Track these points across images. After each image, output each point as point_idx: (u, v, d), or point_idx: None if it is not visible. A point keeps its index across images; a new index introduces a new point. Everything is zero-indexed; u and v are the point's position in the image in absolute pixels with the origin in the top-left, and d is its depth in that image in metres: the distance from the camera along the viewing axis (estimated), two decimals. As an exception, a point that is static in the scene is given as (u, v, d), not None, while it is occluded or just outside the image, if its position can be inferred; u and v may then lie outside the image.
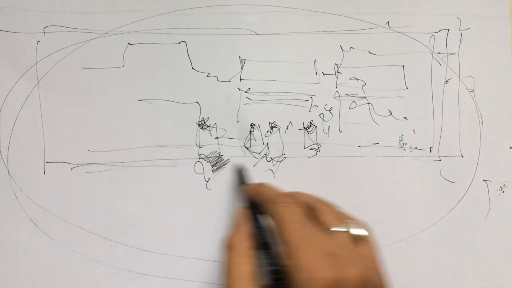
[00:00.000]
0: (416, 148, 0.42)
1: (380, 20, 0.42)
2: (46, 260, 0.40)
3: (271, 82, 0.42)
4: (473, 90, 0.42)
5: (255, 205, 0.34)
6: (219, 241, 0.41)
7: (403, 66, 0.42)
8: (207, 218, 0.41)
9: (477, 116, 0.42)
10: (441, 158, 0.42)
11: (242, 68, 0.41)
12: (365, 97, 0.42)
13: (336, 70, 0.42)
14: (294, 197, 0.33)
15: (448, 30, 0.42)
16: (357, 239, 0.29)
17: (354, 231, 0.29)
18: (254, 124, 0.41)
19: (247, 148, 0.41)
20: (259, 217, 0.33)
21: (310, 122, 0.42)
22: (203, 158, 0.41)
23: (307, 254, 0.26)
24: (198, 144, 0.41)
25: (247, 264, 0.29)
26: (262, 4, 0.41)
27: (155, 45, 0.41)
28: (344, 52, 0.42)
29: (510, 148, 0.43)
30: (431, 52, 0.42)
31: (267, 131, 0.42)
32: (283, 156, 0.42)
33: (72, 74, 0.41)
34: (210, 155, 0.41)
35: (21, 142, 0.40)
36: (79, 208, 0.40)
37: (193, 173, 0.41)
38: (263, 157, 0.41)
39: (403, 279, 0.42)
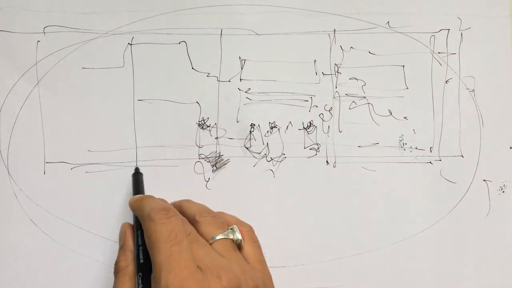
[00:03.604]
0: (416, 148, 0.42)
1: (380, 20, 0.42)
2: (46, 260, 0.40)
3: (271, 82, 0.42)
4: (473, 90, 0.42)
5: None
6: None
7: (403, 66, 0.42)
8: (207, 218, 0.41)
9: (477, 116, 0.42)
10: (441, 158, 0.42)
11: (242, 68, 0.41)
12: (365, 97, 0.42)
13: (336, 70, 0.42)
14: (179, 209, 0.31)
15: (449, 30, 0.42)
16: (239, 243, 0.30)
17: (234, 236, 0.29)
18: (254, 124, 0.41)
19: (247, 148, 0.41)
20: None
21: (310, 122, 0.42)
22: (203, 158, 0.41)
23: (172, 276, 0.24)
24: (198, 144, 0.41)
25: None
26: (262, 4, 0.41)
27: (155, 45, 0.41)
28: (344, 52, 0.42)
29: (510, 148, 0.43)
30: (431, 52, 0.42)
31: (267, 131, 0.42)
32: (283, 156, 0.41)
33: (72, 74, 0.41)
34: (210, 155, 0.41)
35: (21, 142, 0.40)
36: (79, 208, 0.40)
37: (193, 173, 0.41)
38: (263, 157, 0.41)
39: (403, 279, 0.42)
